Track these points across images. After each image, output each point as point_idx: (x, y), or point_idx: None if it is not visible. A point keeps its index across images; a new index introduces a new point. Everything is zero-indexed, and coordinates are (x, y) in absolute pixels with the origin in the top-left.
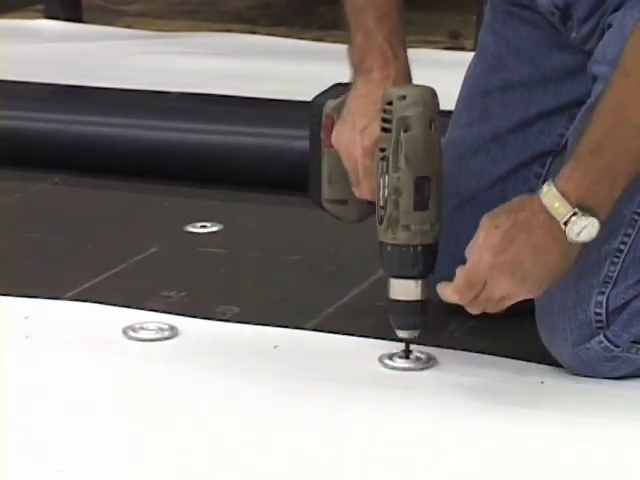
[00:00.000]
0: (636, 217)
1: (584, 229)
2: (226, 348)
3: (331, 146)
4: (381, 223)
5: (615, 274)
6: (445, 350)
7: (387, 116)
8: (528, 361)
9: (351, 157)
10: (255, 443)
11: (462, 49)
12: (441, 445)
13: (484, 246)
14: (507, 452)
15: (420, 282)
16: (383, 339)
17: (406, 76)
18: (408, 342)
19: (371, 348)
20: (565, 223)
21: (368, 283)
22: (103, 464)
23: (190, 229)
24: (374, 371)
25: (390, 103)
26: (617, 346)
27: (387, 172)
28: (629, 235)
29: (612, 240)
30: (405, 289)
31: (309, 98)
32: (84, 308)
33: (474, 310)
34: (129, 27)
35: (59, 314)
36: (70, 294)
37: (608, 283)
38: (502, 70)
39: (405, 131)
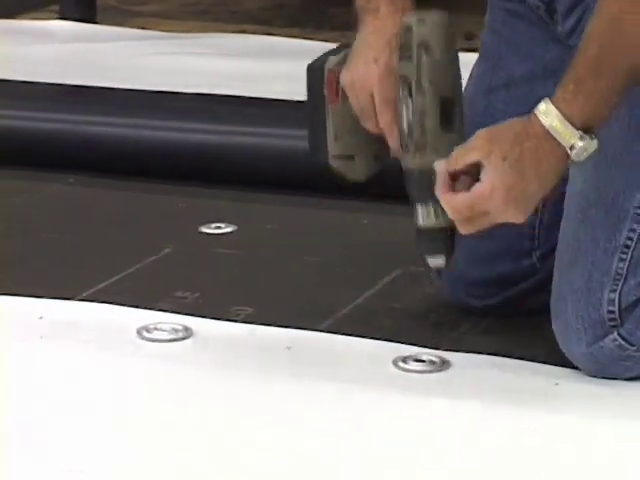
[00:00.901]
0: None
1: (587, 151)
2: (239, 349)
3: (335, 101)
4: (407, 150)
5: (624, 270)
6: (458, 353)
7: (406, 41)
8: (543, 363)
9: (366, 90)
10: (267, 443)
11: (476, 50)
12: (456, 448)
13: (496, 179)
14: (521, 454)
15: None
16: (397, 342)
17: (413, 7)
18: (438, 270)
19: (385, 350)
20: (571, 147)
21: (382, 284)
22: (119, 464)
23: (204, 230)
24: (388, 374)
25: (408, 29)
26: (632, 344)
27: (410, 96)
28: (634, 230)
29: (618, 236)
30: (433, 215)
31: None
32: (98, 308)
33: (464, 229)
34: (142, 28)
35: (73, 314)
36: (84, 294)
37: (619, 280)
38: (504, 68)
39: (427, 53)
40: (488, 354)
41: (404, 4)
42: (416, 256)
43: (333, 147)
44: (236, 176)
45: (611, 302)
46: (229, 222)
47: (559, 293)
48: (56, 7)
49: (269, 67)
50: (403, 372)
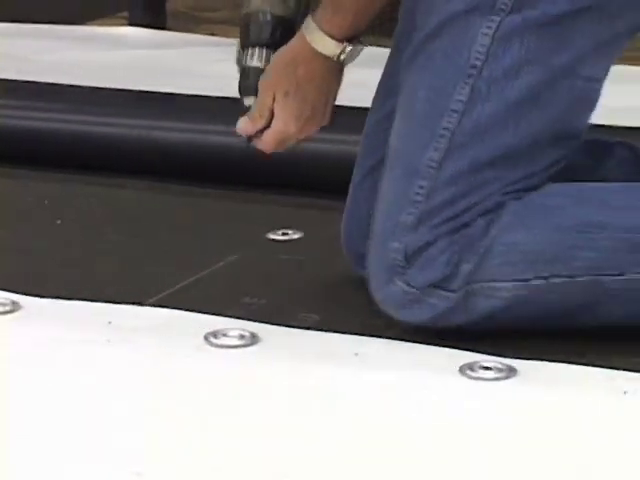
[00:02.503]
0: (429, 170)
1: (354, 54)
2: (306, 355)
3: None
4: None
5: (412, 221)
6: (525, 361)
7: None
8: (613, 368)
9: None
10: (331, 447)
11: None
12: (519, 456)
13: (285, 114)
14: (591, 464)
15: (266, 51)
16: (465, 349)
17: None
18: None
19: (452, 358)
20: (339, 57)
21: None
22: (180, 469)
23: (271, 236)
24: (455, 381)
25: None
26: (414, 288)
27: None
28: (422, 186)
29: (408, 189)
30: (258, 56)
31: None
32: (166, 314)
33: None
34: (211, 34)
35: (141, 320)
36: (152, 300)
37: (406, 230)
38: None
39: None
40: (556, 362)
41: None
42: None
43: None
44: (304, 182)
45: (398, 248)
46: (296, 229)
47: (369, 239)
48: (126, 14)
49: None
50: (470, 380)
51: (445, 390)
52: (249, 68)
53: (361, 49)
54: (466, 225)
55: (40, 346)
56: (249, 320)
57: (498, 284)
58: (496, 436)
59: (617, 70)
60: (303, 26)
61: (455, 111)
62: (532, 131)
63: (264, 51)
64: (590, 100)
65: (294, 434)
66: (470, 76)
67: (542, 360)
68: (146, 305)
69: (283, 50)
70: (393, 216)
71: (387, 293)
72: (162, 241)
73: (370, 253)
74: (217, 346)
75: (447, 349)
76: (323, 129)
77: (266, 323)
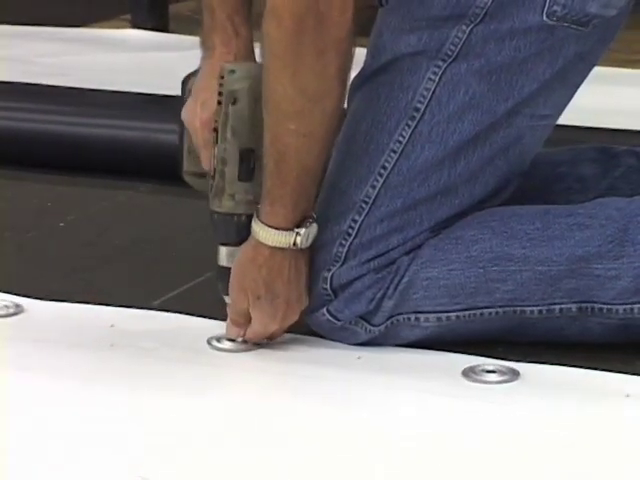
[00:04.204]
0: (363, 205)
1: (310, 235)
2: (322, 357)
3: None
4: (210, 192)
5: (343, 254)
6: (528, 364)
7: (220, 89)
8: (615, 372)
9: (194, 130)
10: (341, 450)
11: None
12: (522, 459)
13: (262, 317)
14: (594, 467)
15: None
16: (468, 353)
17: (248, 53)
18: None
19: (455, 361)
20: (294, 244)
21: None
22: (190, 472)
23: None
24: (458, 384)
25: (223, 77)
26: (338, 320)
27: (216, 143)
28: (356, 221)
29: (342, 223)
30: (231, 256)
31: None
32: (169, 318)
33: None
34: None
35: (145, 323)
36: (156, 303)
37: (337, 262)
38: None
39: (233, 104)
40: (554, 364)
41: (239, 44)
42: None
43: (186, 163)
44: None
45: (325, 280)
46: None
47: None
48: (128, 16)
49: None
50: (474, 382)
51: (448, 393)
52: (225, 268)
53: (315, 227)
54: (393, 262)
55: (43, 349)
56: None
57: (421, 315)
58: (499, 439)
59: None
60: (252, 224)
61: (394, 151)
62: (470, 170)
63: (237, 250)
64: (536, 136)
65: (299, 437)
66: (412, 118)
67: (545, 363)
68: (150, 308)
69: (243, 250)
70: (326, 246)
71: (313, 320)
72: (167, 244)
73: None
74: (221, 350)
75: (450, 352)
76: None
77: None
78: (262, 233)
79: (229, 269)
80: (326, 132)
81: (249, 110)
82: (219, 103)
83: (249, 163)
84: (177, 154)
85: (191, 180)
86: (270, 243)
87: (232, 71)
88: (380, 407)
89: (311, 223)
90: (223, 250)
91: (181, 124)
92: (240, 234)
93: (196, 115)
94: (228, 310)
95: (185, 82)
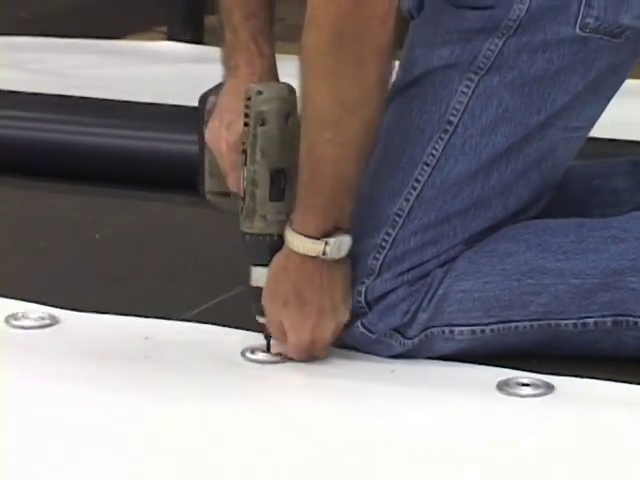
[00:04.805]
0: (397, 218)
1: (341, 247)
2: (346, 371)
3: None
4: (241, 214)
5: (377, 267)
6: (563, 378)
7: (247, 111)
8: None
9: (220, 152)
10: (365, 462)
11: None
12: (557, 473)
13: (295, 326)
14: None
15: None
16: (502, 366)
17: (271, 72)
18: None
19: (489, 374)
20: (324, 253)
21: None
22: None
23: None
24: (492, 397)
25: (249, 99)
26: (372, 333)
27: (245, 164)
28: (390, 234)
29: (376, 236)
30: (264, 277)
31: None
32: (203, 330)
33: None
34: None
35: (179, 335)
36: (190, 315)
37: (371, 275)
38: None
39: (262, 125)
40: (589, 377)
41: (263, 64)
42: None
43: (209, 183)
44: None
45: (359, 293)
46: None
47: None
48: (164, 28)
49: None
50: (507, 396)
51: (483, 406)
52: (258, 289)
53: (347, 239)
54: (427, 274)
55: (77, 360)
56: None
57: (455, 328)
58: (534, 453)
59: None
60: (285, 233)
61: (427, 164)
62: (503, 182)
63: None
64: (569, 148)
65: (333, 450)
66: (446, 131)
67: (579, 377)
68: (184, 320)
69: (276, 260)
70: (360, 259)
71: (347, 333)
72: (201, 256)
73: None
74: (254, 361)
75: (484, 366)
76: None
77: None
78: (293, 241)
79: (262, 290)
80: (363, 143)
81: (278, 131)
82: (246, 125)
83: (280, 183)
84: (198, 175)
85: (214, 199)
86: (301, 251)
87: (259, 92)
88: (416, 421)
89: (343, 234)
90: (256, 271)
91: (201, 144)
92: (273, 254)
93: (222, 138)
94: (267, 326)
95: (203, 101)
